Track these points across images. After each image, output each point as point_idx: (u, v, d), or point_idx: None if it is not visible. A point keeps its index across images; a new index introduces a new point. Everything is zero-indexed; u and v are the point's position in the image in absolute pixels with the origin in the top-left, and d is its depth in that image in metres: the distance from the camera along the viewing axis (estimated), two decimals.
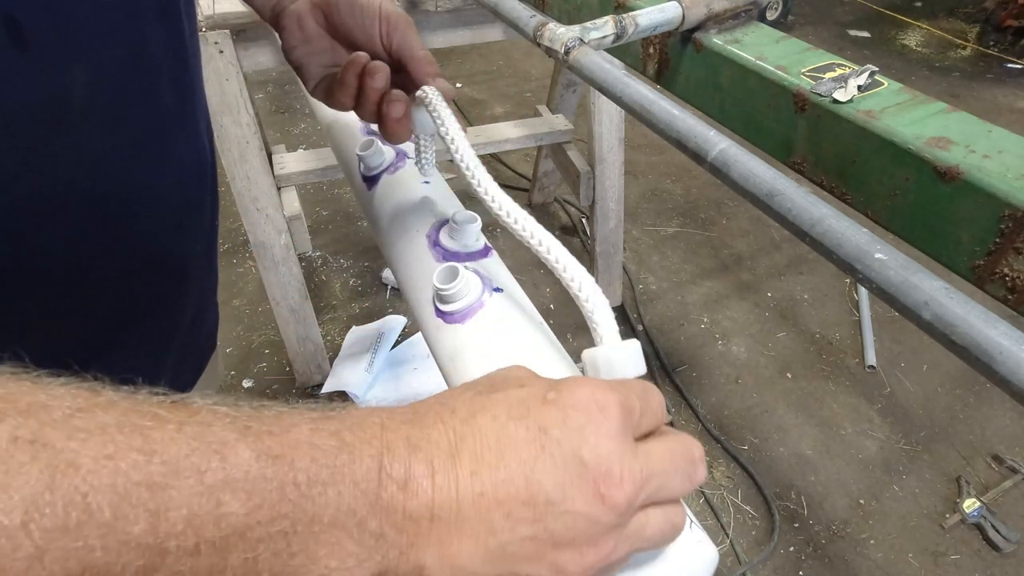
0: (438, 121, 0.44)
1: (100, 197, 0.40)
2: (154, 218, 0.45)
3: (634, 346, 0.32)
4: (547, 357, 0.39)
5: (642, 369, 0.32)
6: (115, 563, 0.19)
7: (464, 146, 0.42)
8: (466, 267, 0.44)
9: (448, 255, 0.47)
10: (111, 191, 0.41)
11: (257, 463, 0.21)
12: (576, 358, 0.35)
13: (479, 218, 0.48)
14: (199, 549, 0.20)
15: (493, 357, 0.39)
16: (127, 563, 0.19)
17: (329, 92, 0.51)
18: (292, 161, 1.42)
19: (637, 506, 0.26)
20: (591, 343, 0.34)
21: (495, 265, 0.47)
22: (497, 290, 0.43)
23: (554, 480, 0.24)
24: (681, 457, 0.28)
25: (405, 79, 0.49)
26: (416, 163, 0.51)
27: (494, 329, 0.41)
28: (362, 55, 0.48)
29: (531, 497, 0.24)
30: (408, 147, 0.57)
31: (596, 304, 0.33)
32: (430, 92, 0.45)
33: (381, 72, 0.47)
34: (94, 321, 0.45)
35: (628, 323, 1.86)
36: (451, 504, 0.24)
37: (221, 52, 1.15)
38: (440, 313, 0.43)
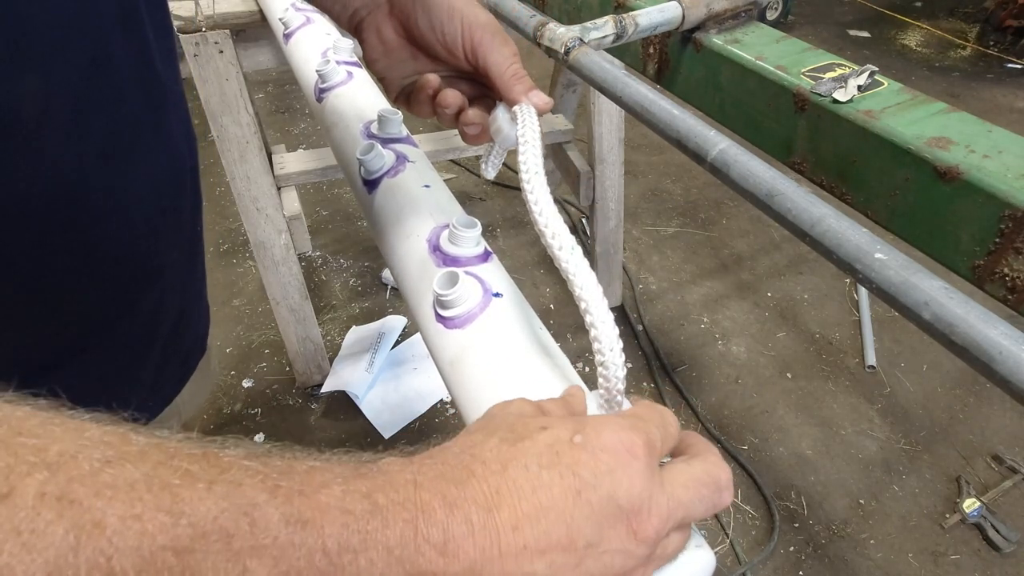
0: (521, 140, 0.42)
1: (62, 205, 0.39)
2: (124, 225, 0.45)
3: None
4: (546, 363, 0.39)
5: None
6: None
7: (536, 170, 0.41)
8: (466, 272, 0.44)
9: (448, 260, 0.47)
10: (74, 199, 0.40)
11: (286, 528, 0.20)
12: (576, 358, 0.35)
13: (479, 223, 0.48)
14: None
15: (493, 363, 0.39)
16: None
17: (408, 103, 0.50)
18: (292, 161, 1.42)
19: (666, 529, 0.27)
20: (591, 344, 0.34)
21: (495, 270, 0.47)
22: (497, 295, 0.43)
23: (592, 524, 0.25)
24: (707, 487, 0.29)
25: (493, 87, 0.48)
26: (482, 161, 0.51)
27: (494, 335, 0.41)
28: (432, 79, 0.47)
29: (572, 543, 0.24)
30: (408, 150, 0.57)
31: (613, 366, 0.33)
32: (525, 111, 0.44)
33: (452, 100, 0.46)
34: (63, 326, 0.45)
35: (628, 323, 1.86)
36: (495, 561, 0.23)
37: (221, 52, 1.15)
38: (440, 318, 0.43)
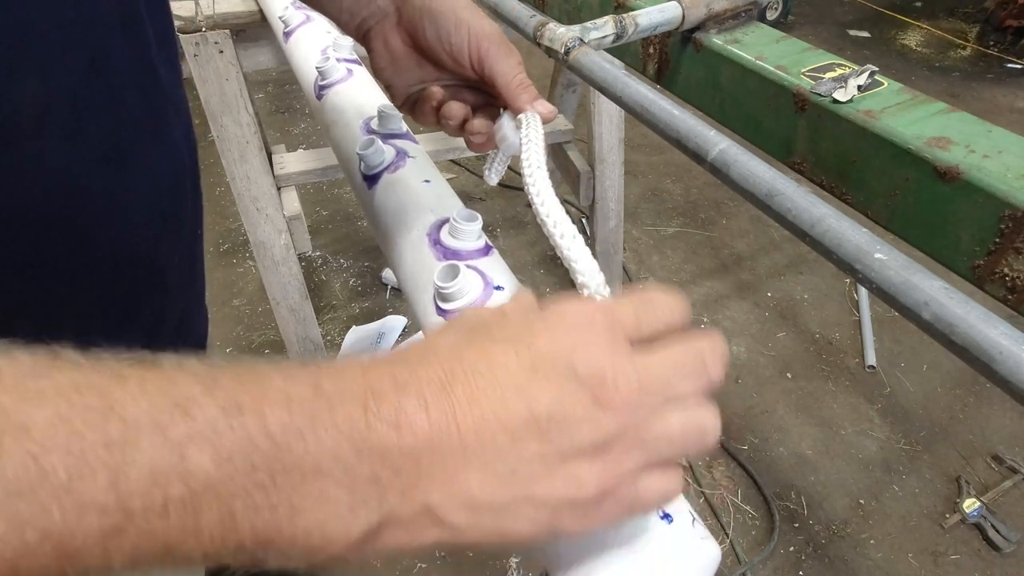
0: (524, 140, 0.43)
1: (61, 208, 0.39)
2: (124, 229, 0.45)
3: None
4: None
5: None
6: (75, 527, 0.18)
7: (538, 164, 0.41)
8: (467, 266, 0.44)
9: (449, 254, 0.47)
10: (73, 202, 0.40)
11: (224, 416, 0.20)
12: None
13: (480, 217, 0.48)
14: (167, 509, 0.19)
15: None
16: (88, 526, 0.18)
17: (413, 112, 0.51)
18: (292, 161, 1.42)
19: (643, 410, 0.25)
20: None
21: (496, 264, 0.47)
22: (498, 289, 0.43)
23: (552, 395, 0.24)
24: (687, 356, 0.27)
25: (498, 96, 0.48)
26: (486, 168, 0.51)
27: None
28: (437, 91, 0.48)
29: (532, 415, 0.23)
30: (408, 146, 0.57)
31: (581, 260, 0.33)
32: (530, 119, 0.44)
33: (456, 113, 0.47)
34: (63, 330, 0.45)
35: None
36: (453, 436, 0.23)
37: (221, 52, 1.15)
38: (441, 312, 0.43)
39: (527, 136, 0.43)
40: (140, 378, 0.20)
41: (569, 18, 0.84)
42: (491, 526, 0.24)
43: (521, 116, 0.44)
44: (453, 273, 0.43)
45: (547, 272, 2.01)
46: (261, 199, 1.35)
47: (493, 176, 0.50)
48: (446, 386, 0.23)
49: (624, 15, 0.63)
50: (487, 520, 0.24)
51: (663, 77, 0.73)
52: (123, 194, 0.44)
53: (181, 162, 0.53)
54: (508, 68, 0.45)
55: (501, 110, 0.47)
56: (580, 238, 0.37)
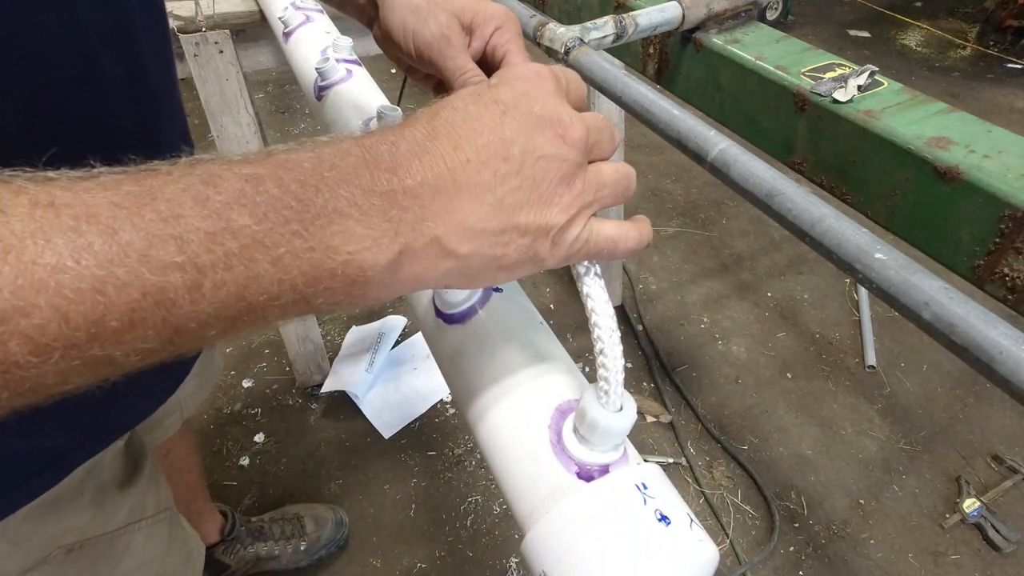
0: None
1: None
2: None
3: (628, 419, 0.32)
4: (546, 358, 0.39)
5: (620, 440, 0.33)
6: (165, 283, 0.22)
7: None
8: None
9: None
10: None
11: (250, 184, 0.24)
12: (576, 358, 0.35)
13: None
14: (230, 262, 0.23)
15: (493, 357, 0.39)
16: (173, 281, 0.22)
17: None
18: None
19: (590, 154, 0.31)
20: (591, 344, 0.34)
21: None
22: (497, 290, 0.43)
23: (522, 133, 0.28)
24: (602, 122, 0.32)
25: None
26: None
27: (494, 330, 0.41)
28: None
29: (508, 152, 0.28)
30: None
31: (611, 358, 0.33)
32: None
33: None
34: None
35: (628, 323, 1.86)
36: (445, 175, 0.27)
37: (221, 52, 1.15)
38: (440, 314, 0.43)
39: None
40: (167, 171, 0.24)
41: (569, 18, 0.84)
42: (488, 252, 0.28)
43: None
44: None
45: (547, 272, 2.01)
46: None
47: None
48: (431, 138, 0.28)
49: (624, 15, 0.63)
50: (485, 246, 0.28)
51: (663, 77, 0.73)
52: None
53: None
54: (456, 67, 0.42)
55: None
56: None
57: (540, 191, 0.29)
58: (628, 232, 0.34)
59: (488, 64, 0.44)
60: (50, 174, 0.23)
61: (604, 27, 0.63)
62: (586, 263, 0.36)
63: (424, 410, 1.60)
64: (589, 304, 0.34)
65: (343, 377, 1.61)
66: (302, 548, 1.30)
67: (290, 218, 0.24)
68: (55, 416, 0.46)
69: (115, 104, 0.43)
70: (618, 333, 0.33)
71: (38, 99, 0.37)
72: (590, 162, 0.31)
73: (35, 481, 0.49)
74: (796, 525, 1.41)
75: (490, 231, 0.28)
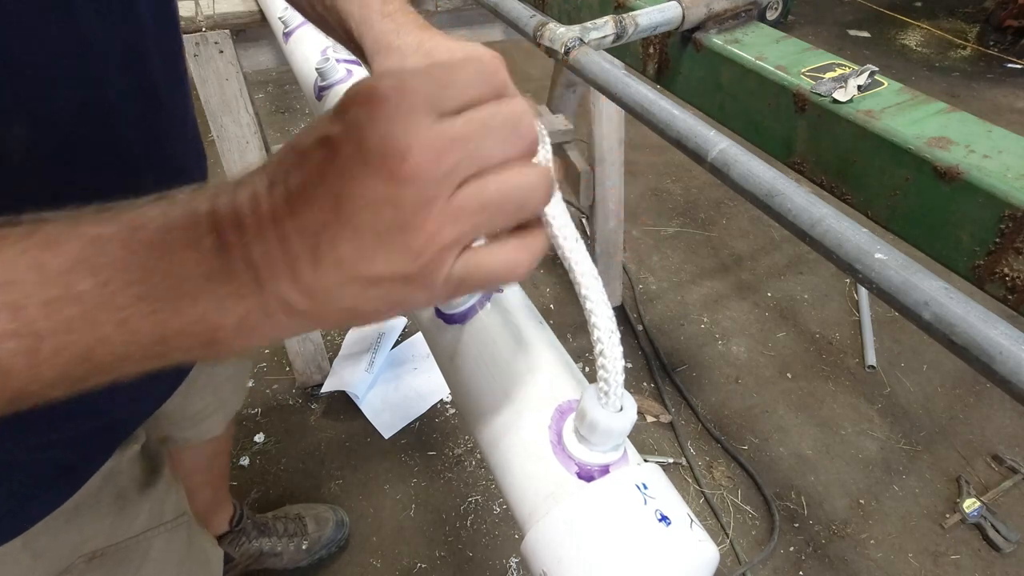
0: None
1: None
2: None
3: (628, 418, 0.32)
4: (547, 357, 0.39)
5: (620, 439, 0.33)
6: (4, 346, 0.22)
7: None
8: None
9: None
10: None
11: (92, 246, 0.24)
12: (576, 358, 0.35)
13: None
14: (72, 326, 0.23)
15: (493, 357, 0.39)
16: (8, 347, 0.22)
17: None
18: None
19: (449, 179, 0.24)
20: (591, 344, 0.34)
21: None
22: (497, 291, 0.43)
23: (347, 180, 0.24)
24: (494, 118, 0.26)
25: None
26: None
27: (494, 330, 0.41)
28: None
29: (338, 201, 0.24)
30: None
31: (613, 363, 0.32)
32: None
33: None
34: None
35: (628, 323, 1.86)
36: (272, 218, 0.25)
37: (221, 52, 1.15)
38: (440, 314, 0.43)
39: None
40: (4, 234, 0.24)
41: (569, 18, 0.84)
42: (335, 307, 0.26)
43: None
44: None
45: (547, 272, 2.01)
46: None
47: None
48: (269, 192, 0.25)
49: (624, 15, 0.63)
50: (328, 301, 0.25)
51: (663, 77, 0.73)
52: None
53: (184, 177, 0.53)
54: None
55: None
56: (581, 241, 0.37)
57: (379, 240, 0.24)
58: (514, 259, 0.28)
59: None
60: None
61: (604, 27, 0.63)
62: (579, 265, 0.36)
63: (424, 410, 1.60)
64: (588, 305, 0.34)
65: (343, 377, 1.61)
66: (304, 547, 1.30)
67: (134, 281, 0.24)
68: (58, 429, 0.47)
69: (121, 126, 0.43)
70: (617, 334, 0.33)
71: (43, 126, 0.37)
72: (474, 176, 0.25)
73: (51, 492, 0.49)
74: (796, 525, 1.41)
75: (329, 287, 0.25)
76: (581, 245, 0.37)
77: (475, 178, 0.25)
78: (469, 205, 0.25)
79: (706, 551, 0.30)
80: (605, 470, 0.32)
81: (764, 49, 0.62)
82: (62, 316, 0.23)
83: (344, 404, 1.60)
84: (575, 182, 1.67)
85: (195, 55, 1.14)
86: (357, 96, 0.25)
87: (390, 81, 0.25)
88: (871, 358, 1.76)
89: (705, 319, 1.90)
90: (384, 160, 0.23)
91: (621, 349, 0.33)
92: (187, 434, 0.86)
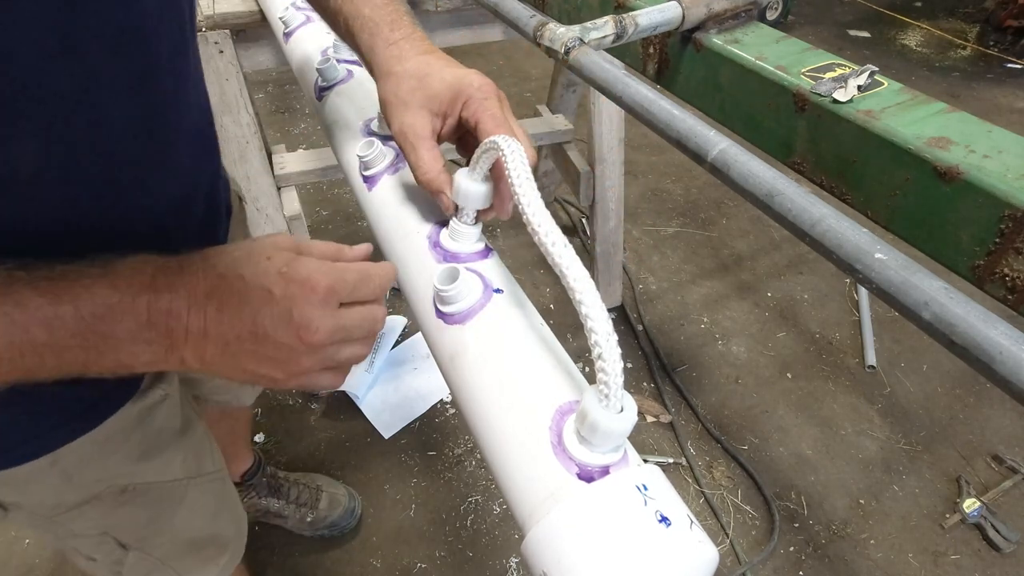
0: (509, 161, 0.41)
1: (54, 241, 0.41)
2: (121, 244, 0.47)
3: (628, 420, 0.32)
4: (547, 358, 0.39)
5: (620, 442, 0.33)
6: None
7: (526, 176, 0.40)
8: (467, 269, 0.44)
9: (448, 256, 0.47)
10: (69, 235, 0.43)
11: (51, 307, 0.35)
12: (576, 358, 0.35)
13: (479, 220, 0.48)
14: (24, 357, 0.35)
15: (493, 359, 0.39)
16: None
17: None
18: (292, 161, 1.42)
19: (330, 342, 0.41)
20: (587, 337, 0.34)
21: (495, 266, 0.47)
22: (497, 291, 0.43)
23: (271, 325, 0.39)
24: (366, 319, 0.43)
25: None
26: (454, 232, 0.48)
27: (494, 331, 0.41)
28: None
29: (255, 331, 0.39)
30: None
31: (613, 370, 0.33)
32: (506, 141, 0.42)
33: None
34: None
35: (628, 323, 1.86)
36: (200, 327, 0.39)
37: (221, 52, 1.15)
38: (441, 314, 0.43)
39: (510, 156, 0.41)
40: None
41: (569, 18, 0.84)
42: (220, 373, 0.41)
43: (496, 138, 0.43)
44: (452, 276, 0.43)
45: (547, 272, 2.01)
46: (261, 199, 1.35)
47: (474, 232, 0.48)
48: (207, 296, 0.39)
49: (624, 15, 0.63)
50: (217, 370, 0.41)
51: (663, 77, 0.73)
52: (120, 224, 0.47)
53: (186, 185, 0.54)
54: (410, 162, 0.48)
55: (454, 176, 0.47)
56: (570, 246, 0.37)
57: (268, 360, 0.40)
58: (339, 381, 0.46)
59: (469, 130, 0.49)
60: None
61: (604, 27, 0.63)
62: (569, 270, 0.35)
63: (424, 410, 1.60)
64: (583, 310, 0.34)
65: None
66: (308, 520, 1.33)
67: (76, 333, 0.36)
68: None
69: (127, 142, 0.45)
70: (615, 335, 0.33)
71: (50, 146, 0.40)
72: (347, 304, 0.43)
73: (73, 422, 0.56)
74: (796, 525, 1.41)
75: (220, 364, 0.40)
76: (570, 250, 0.37)
77: (342, 343, 0.43)
78: (334, 357, 0.43)
79: (706, 552, 0.30)
80: (605, 471, 0.32)
81: (764, 49, 0.62)
82: (17, 352, 0.35)
83: (344, 404, 1.60)
84: (575, 182, 1.67)
85: None
86: (305, 279, 0.40)
87: (326, 279, 0.40)
88: (871, 358, 1.76)
89: (705, 319, 1.90)
90: (300, 328, 0.39)
91: (619, 351, 0.33)
92: (220, 398, 0.95)
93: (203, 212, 0.60)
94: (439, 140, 0.49)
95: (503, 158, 0.42)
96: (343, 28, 0.56)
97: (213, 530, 0.76)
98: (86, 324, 0.36)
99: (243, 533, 0.84)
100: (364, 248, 0.48)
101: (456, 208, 0.47)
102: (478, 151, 0.44)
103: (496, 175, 0.46)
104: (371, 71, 0.54)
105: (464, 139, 0.52)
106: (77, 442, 0.55)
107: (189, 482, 0.69)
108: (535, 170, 0.44)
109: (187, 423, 0.69)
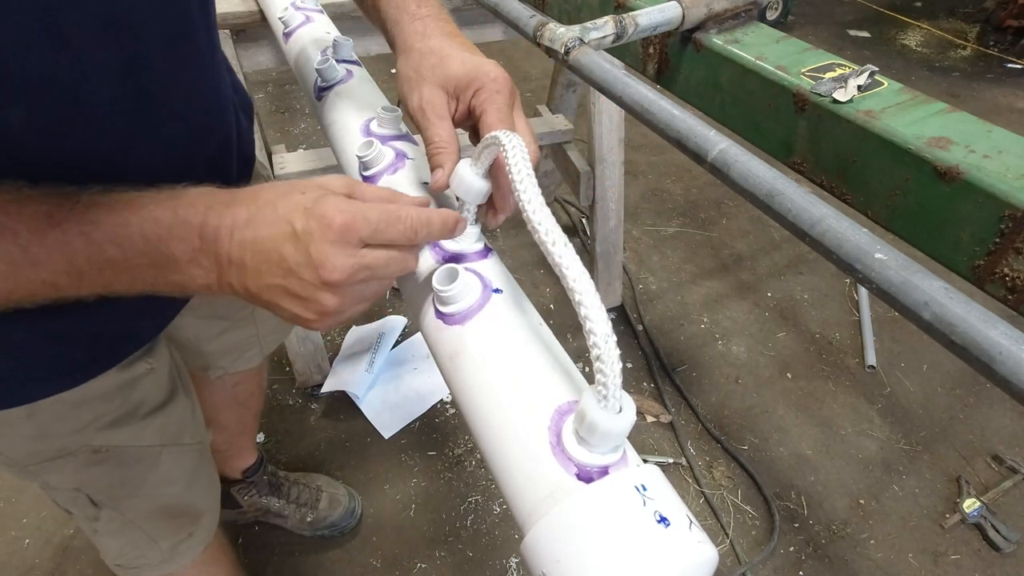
0: (511, 158, 0.41)
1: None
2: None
3: (626, 421, 0.32)
4: (546, 358, 0.39)
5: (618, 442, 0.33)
6: (56, 280, 0.39)
7: (527, 172, 0.40)
8: (466, 269, 0.44)
9: (448, 256, 0.47)
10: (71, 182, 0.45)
11: (121, 228, 0.39)
12: (576, 358, 0.35)
13: (479, 219, 0.48)
14: (102, 271, 0.40)
15: (492, 358, 0.39)
16: (61, 280, 0.39)
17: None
18: (292, 161, 1.42)
19: (351, 282, 0.41)
20: (586, 338, 0.34)
21: (495, 266, 0.47)
22: (497, 291, 0.43)
23: (293, 260, 0.40)
24: (392, 262, 0.43)
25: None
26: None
27: (494, 331, 0.41)
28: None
29: (281, 265, 0.40)
30: (407, 148, 0.57)
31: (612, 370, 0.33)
32: (507, 137, 0.42)
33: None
34: None
35: (628, 323, 1.86)
36: (239, 256, 0.41)
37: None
38: (440, 315, 0.43)
39: (511, 151, 0.41)
40: (69, 207, 0.39)
41: (569, 18, 0.84)
42: (261, 305, 0.43)
43: (499, 133, 0.43)
44: (451, 276, 0.43)
45: (547, 272, 2.01)
46: None
47: (474, 232, 0.48)
48: (246, 226, 0.41)
49: (624, 15, 0.63)
50: (257, 302, 0.43)
51: (663, 77, 0.73)
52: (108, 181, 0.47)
53: (185, 162, 0.55)
54: (427, 136, 0.48)
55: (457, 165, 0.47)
56: (571, 245, 0.37)
57: (290, 295, 0.41)
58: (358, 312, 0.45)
59: (475, 120, 0.49)
60: None
61: (604, 27, 0.63)
62: (569, 270, 0.35)
63: (424, 410, 1.60)
64: (582, 311, 0.34)
65: (343, 377, 1.61)
66: (308, 520, 1.33)
67: (143, 252, 0.40)
68: (71, 326, 0.56)
69: (113, 120, 0.46)
70: (614, 336, 0.33)
71: (34, 116, 0.41)
72: (373, 245, 0.42)
73: (54, 379, 0.58)
74: (796, 525, 1.41)
75: (257, 295, 0.42)
76: (570, 249, 0.37)
77: (367, 282, 0.42)
78: (359, 295, 0.43)
79: (705, 552, 0.30)
80: (604, 471, 0.32)
81: (764, 49, 0.62)
82: (96, 265, 0.39)
83: (344, 404, 1.60)
84: (575, 182, 1.67)
85: None
86: (321, 215, 0.40)
87: (342, 217, 0.40)
88: (871, 358, 1.76)
89: (705, 319, 1.90)
90: (318, 267, 0.40)
91: (618, 351, 0.33)
92: (225, 362, 0.98)
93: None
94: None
95: (504, 154, 0.41)
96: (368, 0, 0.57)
97: (187, 500, 0.78)
98: (151, 244, 0.39)
99: (216, 508, 0.86)
100: (422, 198, 0.47)
101: (459, 201, 0.47)
102: (480, 145, 0.44)
103: (497, 170, 0.46)
104: (392, 45, 0.54)
105: (472, 130, 0.52)
106: (56, 398, 0.58)
107: (163, 449, 0.71)
108: (536, 169, 0.44)
109: (171, 396, 0.71)
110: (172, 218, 0.40)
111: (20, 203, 0.38)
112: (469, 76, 0.48)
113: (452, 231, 0.45)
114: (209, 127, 0.59)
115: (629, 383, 1.70)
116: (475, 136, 0.50)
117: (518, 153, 0.41)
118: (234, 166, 0.65)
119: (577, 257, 0.36)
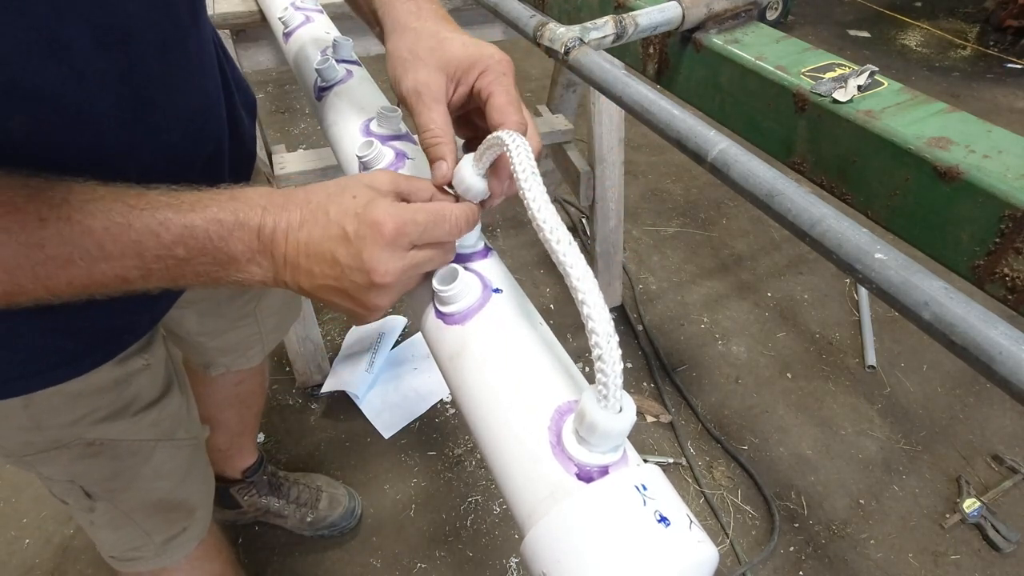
0: (514, 156, 0.41)
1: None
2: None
3: (626, 421, 0.32)
4: (547, 358, 0.39)
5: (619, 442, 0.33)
6: (127, 275, 0.41)
7: (532, 170, 0.40)
8: (466, 268, 0.44)
9: None
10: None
11: (187, 230, 0.41)
12: (576, 358, 0.35)
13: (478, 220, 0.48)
14: (169, 270, 0.42)
15: (493, 358, 0.39)
16: (131, 275, 0.42)
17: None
18: (292, 161, 1.42)
19: (400, 282, 0.43)
20: (587, 336, 0.34)
21: (495, 266, 0.47)
22: (497, 291, 0.43)
23: (346, 263, 0.42)
24: (435, 259, 0.44)
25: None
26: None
27: (494, 331, 0.41)
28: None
29: (334, 267, 0.42)
30: (407, 147, 0.57)
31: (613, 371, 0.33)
32: (511, 136, 0.42)
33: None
34: None
35: (628, 323, 1.86)
36: (293, 257, 0.43)
37: None
38: (440, 314, 0.43)
39: (515, 151, 0.41)
40: (141, 207, 0.41)
41: (569, 18, 0.84)
42: (311, 299, 0.48)
43: (502, 134, 0.42)
44: (452, 276, 0.43)
45: (547, 272, 2.01)
46: None
47: (474, 232, 0.48)
48: (301, 226, 0.43)
49: (624, 15, 0.63)
50: (312, 298, 0.45)
51: (663, 77, 0.73)
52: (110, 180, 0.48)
53: (184, 162, 0.55)
54: (421, 122, 0.47)
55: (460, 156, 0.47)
56: (575, 244, 0.37)
57: (341, 291, 0.43)
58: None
59: (477, 104, 0.48)
60: (70, 190, 0.40)
61: (604, 27, 0.63)
62: (573, 269, 0.35)
63: (424, 410, 1.60)
64: (585, 310, 0.34)
65: (343, 377, 1.61)
66: (308, 520, 1.33)
67: (207, 251, 0.42)
68: (72, 320, 0.57)
69: (110, 122, 0.47)
70: (616, 336, 0.33)
71: (35, 125, 0.42)
72: (420, 246, 0.43)
73: (53, 372, 0.58)
74: (796, 525, 1.41)
75: (310, 292, 0.44)
76: (575, 248, 0.37)
77: (411, 278, 0.45)
78: (403, 288, 0.45)
79: (705, 552, 0.30)
80: (604, 471, 0.32)
81: (764, 49, 0.62)
82: (164, 264, 0.42)
83: (344, 404, 1.60)
84: (575, 182, 1.67)
85: None
86: (373, 220, 0.41)
87: (393, 222, 0.41)
88: (871, 358, 1.76)
89: (705, 319, 1.90)
90: (370, 271, 0.41)
91: (620, 351, 0.33)
92: (227, 360, 0.99)
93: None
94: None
95: (508, 153, 0.41)
96: None
97: (181, 495, 0.78)
98: (214, 244, 0.42)
99: (210, 504, 0.87)
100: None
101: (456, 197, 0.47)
102: (483, 145, 0.44)
103: (496, 163, 0.45)
104: (382, 26, 0.52)
105: (466, 117, 0.51)
106: (52, 390, 0.59)
107: (157, 444, 0.72)
108: (539, 161, 0.44)
109: (165, 392, 0.72)
110: (234, 220, 0.42)
111: (96, 202, 0.40)
112: (472, 58, 0.46)
113: (473, 225, 0.46)
114: (203, 128, 0.59)
115: (629, 383, 1.70)
116: (480, 118, 0.49)
117: (522, 153, 0.41)
118: (227, 164, 0.65)
119: (581, 256, 0.36)
